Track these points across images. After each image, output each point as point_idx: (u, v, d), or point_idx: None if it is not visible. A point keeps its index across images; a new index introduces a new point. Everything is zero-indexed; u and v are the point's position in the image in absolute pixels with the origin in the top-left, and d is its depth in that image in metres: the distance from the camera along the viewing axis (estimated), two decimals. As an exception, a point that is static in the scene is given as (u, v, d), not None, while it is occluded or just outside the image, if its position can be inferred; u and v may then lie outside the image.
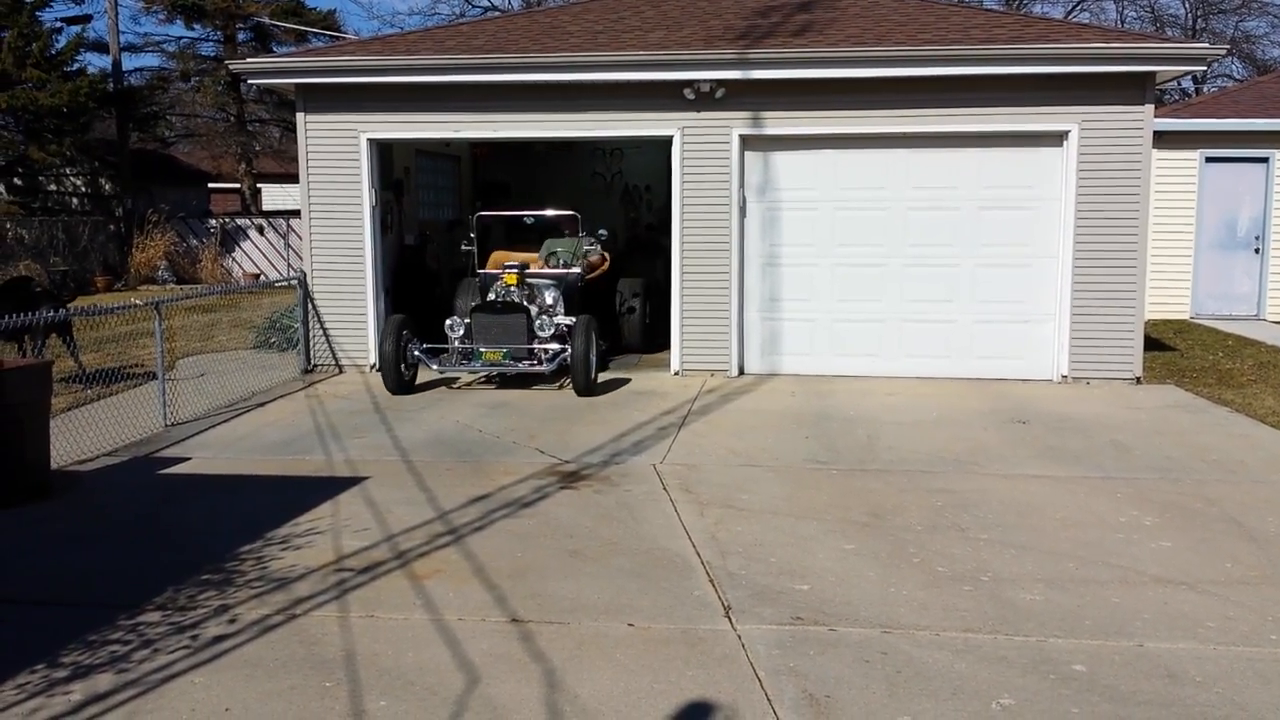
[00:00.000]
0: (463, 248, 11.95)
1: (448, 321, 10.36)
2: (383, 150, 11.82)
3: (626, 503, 6.53)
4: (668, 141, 10.99)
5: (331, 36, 29.66)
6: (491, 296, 10.80)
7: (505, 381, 10.59)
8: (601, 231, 12.11)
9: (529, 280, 10.91)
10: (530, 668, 4.23)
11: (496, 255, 12.61)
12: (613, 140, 15.39)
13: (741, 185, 10.91)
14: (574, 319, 10.29)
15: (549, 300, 10.97)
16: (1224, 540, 5.85)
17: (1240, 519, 6.22)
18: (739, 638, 4.53)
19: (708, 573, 5.32)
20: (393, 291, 12.31)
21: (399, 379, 9.99)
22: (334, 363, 11.47)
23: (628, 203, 17.28)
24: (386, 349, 9.91)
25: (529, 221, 12.26)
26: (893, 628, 4.63)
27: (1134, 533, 5.97)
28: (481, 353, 10.15)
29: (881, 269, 11.02)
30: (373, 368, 11.34)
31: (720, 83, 10.60)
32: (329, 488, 6.86)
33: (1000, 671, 4.21)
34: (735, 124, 10.78)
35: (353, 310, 11.40)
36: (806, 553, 5.62)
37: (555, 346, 10.18)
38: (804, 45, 10.59)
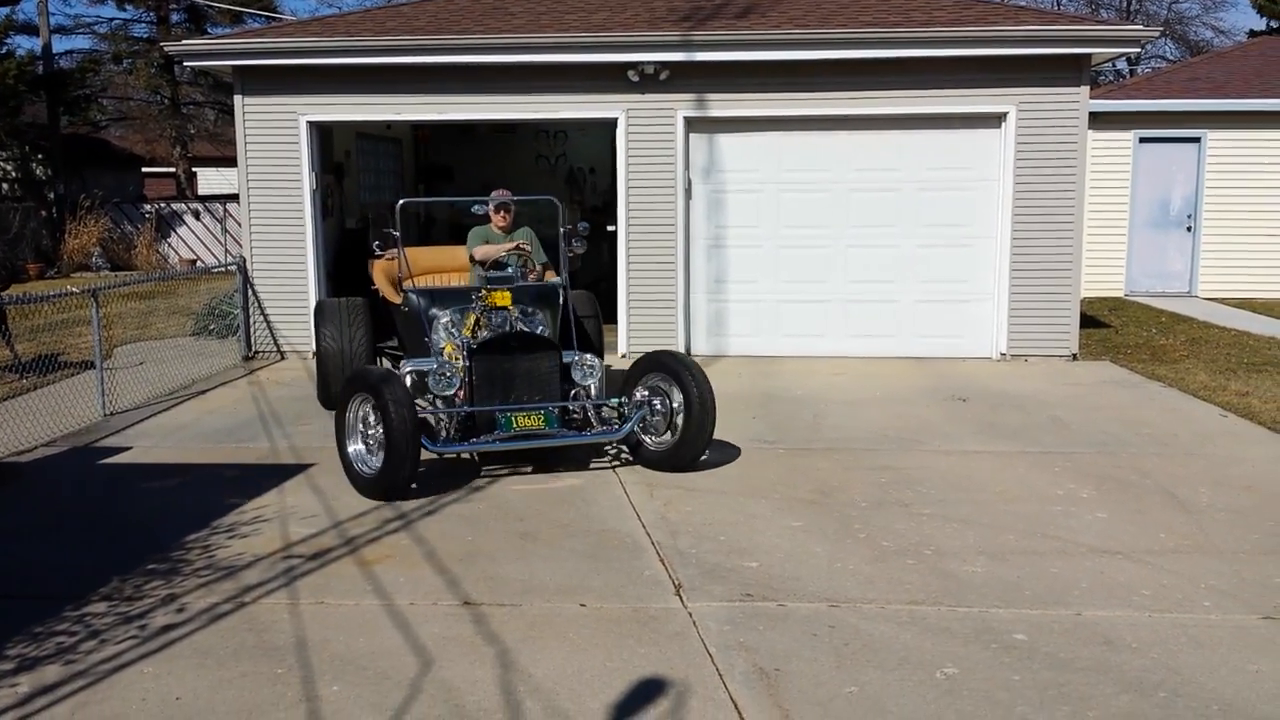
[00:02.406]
0: (375, 248, 8.37)
1: (430, 366, 6.83)
2: (323, 133, 11.66)
3: (576, 485, 6.55)
4: (612, 124, 10.98)
5: (268, 17, 29.12)
6: (455, 330, 7.23)
7: (541, 459, 6.98)
8: (584, 224, 8.27)
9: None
10: (483, 649, 4.25)
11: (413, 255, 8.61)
12: (557, 122, 15.33)
13: (687, 167, 10.94)
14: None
15: (545, 328, 7.41)
16: (1158, 511, 6.02)
17: (1173, 490, 6.41)
18: (690, 615, 4.59)
19: (658, 552, 5.37)
20: (335, 276, 12.17)
21: (413, 469, 6.21)
22: (275, 349, 11.34)
23: (572, 185, 17.23)
24: (399, 412, 6.08)
25: (478, 211, 8.68)
26: (839, 601, 4.72)
27: (1071, 505, 6.13)
28: (508, 417, 6.63)
29: (826, 250, 11.12)
30: (313, 354, 11.20)
31: (664, 65, 10.60)
32: (275, 475, 6.80)
33: (944, 642, 4.31)
34: (680, 106, 10.80)
35: (294, 295, 11.26)
36: (755, 531, 5.69)
37: (613, 401, 7.03)
38: (748, 27, 10.63)
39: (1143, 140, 16.04)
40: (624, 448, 7.17)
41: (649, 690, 3.93)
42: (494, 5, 11.86)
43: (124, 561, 5.24)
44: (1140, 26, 12.25)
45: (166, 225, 25.52)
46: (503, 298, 7.05)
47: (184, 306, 14.35)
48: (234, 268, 11.44)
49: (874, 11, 10.96)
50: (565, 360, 6.98)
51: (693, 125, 10.92)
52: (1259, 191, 15.85)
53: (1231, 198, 15.93)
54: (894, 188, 10.99)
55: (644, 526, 5.77)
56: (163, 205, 26.18)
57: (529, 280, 7.68)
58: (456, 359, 6.99)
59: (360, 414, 6.50)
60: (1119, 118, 15.84)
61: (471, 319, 7.20)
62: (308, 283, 11.25)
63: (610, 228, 11.54)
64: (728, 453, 7.30)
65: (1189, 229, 16.21)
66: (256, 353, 11.30)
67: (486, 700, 3.85)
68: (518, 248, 7.85)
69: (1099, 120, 15.01)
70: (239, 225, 12.13)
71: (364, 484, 6.33)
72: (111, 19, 31.63)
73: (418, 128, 15.90)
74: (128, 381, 9.41)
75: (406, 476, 6.19)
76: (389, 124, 13.96)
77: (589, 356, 7.08)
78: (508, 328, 6.98)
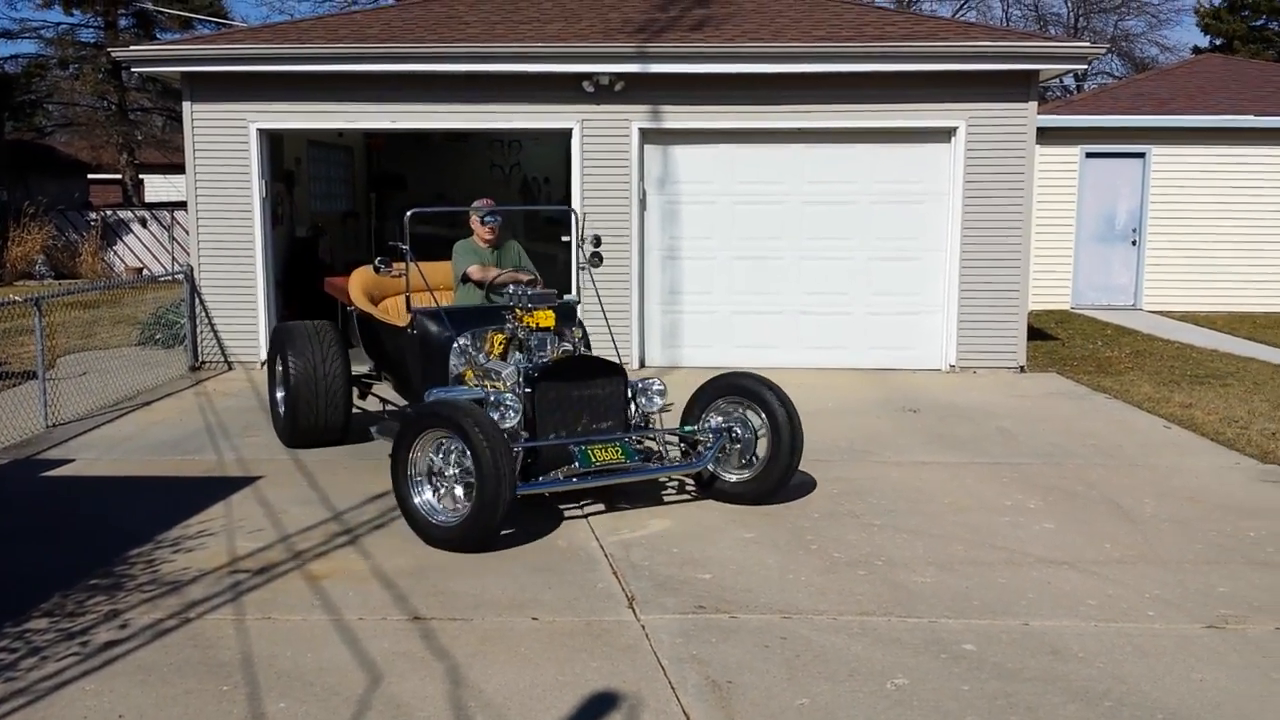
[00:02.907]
0: (377, 266, 6.83)
1: (475, 396, 6.04)
2: (273, 141, 11.54)
3: (529, 498, 6.51)
4: (567, 134, 10.98)
5: (218, 23, 28.80)
6: (476, 355, 6.59)
7: (609, 497, 6.41)
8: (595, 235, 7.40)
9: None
10: (433, 665, 4.21)
11: (360, 277, 7.79)
12: (511, 132, 15.31)
13: (641, 178, 10.96)
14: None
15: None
16: (1103, 521, 6.11)
17: (1118, 501, 6.50)
18: (643, 628, 4.58)
19: (611, 565, 5.35)
20: (284, 285, 12.05)
21: (508, 513, 5.46)
22: (223, 359, 11.18)
23: (526, 195, 17.20)
24: (495, 449, 5.33)
25: (490, 223, 7.46)
26: (791, 613, 4.73)
27: (1019, 516, 6.20)
28: (584, 450, 5.93)
29: (779, 262, 11.18)
30: (264, 364, 11.08)
31: (619, 76, 10.62)
32: (221, 488, 6.70)
33: (894, 652, 4.33)
34: (635, 117, 10.82)
35: (243, 305, 11.11)
36: (708, 543, 5.69)
37: (685, 429, 6.53)
38: (702, 40, 10.68)
39: (1089, 155, 16.32)
40: (689, 480, 6.61)
41: (601, 704, 3.91)
42: (448, 14, 11.81)
43: (66, 576, 5.13)
44: (1087, 44, 12.46)
45: (112, 233, 25.09)
46: (547, 318, 6.39)
47: (129, 316, 14.11)
48: (181, 277, 11.27)
49: (827, 26, 11.06)
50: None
51: (647, 136, 10.94)
52: (1202, 206, 16.19)
53: (1175, 212, 16.26)
54: (847, 200, 11.08)
55: (597, 539, 5.75)
56: (109, 213, 25.74)
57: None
58: (496, 386, 6.22)
59: (428, 455, 5.69)
60: (1066, 133, 16.11)
61: (498, 341, 6.58)
62: (257, 292, 11.10)
63: (565, 238, 11.52)
64: (681, 464, 7.28)
65: (1134, 243, 16.51)
66: (203, 363, 11.14)
67: (436, 716, 3.81)
68: (533, 281, 7.06)
69: (1046, 135, 15.25)
70: (186, 233, 11.98)
71: (441, 536, 5.53)
72: (58, 23, 31.13)
73: (370, 136, 15.77)
74: (71, 392, 9.22)
75: (500, 523, 5.45)
76: (340, 132, 13.86)
77: (655, 381, 6.45)
78: (550, 349, 6.32)
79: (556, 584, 5.09)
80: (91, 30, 31.18)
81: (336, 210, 15.01)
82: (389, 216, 16.64)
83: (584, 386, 6.19)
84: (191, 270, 11.10)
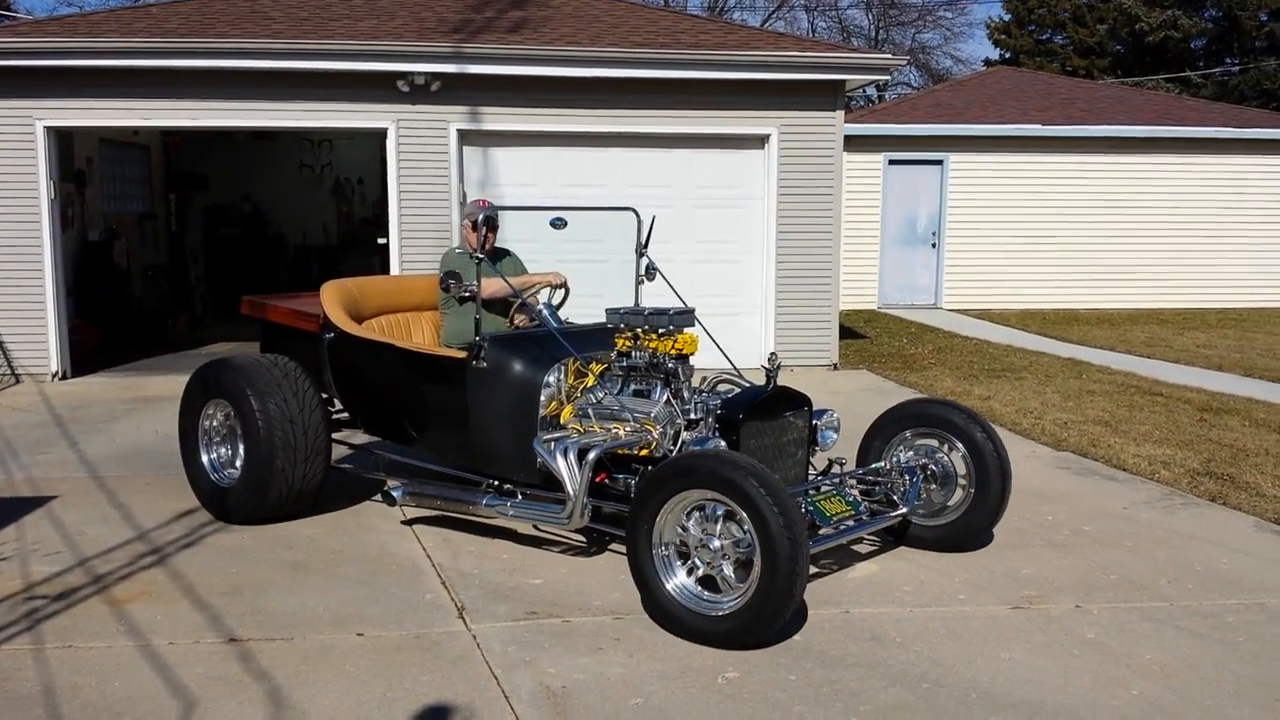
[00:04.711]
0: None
1: (639, 440, 5.14)
2: (62, 139, 10.82)
3: (353, 509, 6.32)
4: (382, 134, 10.72)
5: (0, 15, 26.82)
6: (565, 389, 5.50)
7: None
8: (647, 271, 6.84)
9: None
10: (252, 688, 4.01)
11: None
12: (322, 131, 14.86)
13: (461, 180, 10.80)
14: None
15: None
16: (915, 511, 6.37)
17: (928, 490, 6.80)
18: (474, 637, 4.49)
19: (440, 575, 5.24)
20: (76, 292, 11.31)
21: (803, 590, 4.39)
22: (10, 373, 10.39)
23: (340, 196, 16.73)
24: (790, 513, 4.23)
25: (558, 226, 5.98)
26: (624, 613, 4.74)
27: (839, 509, 6.39)
28: (816, 504, 5.00)
29: (603, 265, 11.19)
30: (54, 376, 10.38)
31: (436, 76, 10.44)
32: (10, 510, 6.21)
33: (725, 648, 4.40)
34: (453, 118, 10.66)
35: (30, 314, 10.35)
36: (538, 548, 5.65)
37: (877, 467, 5.67)
38: (519, 42, 10.62)
39: (892, 162, 17.11)
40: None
41: (433, 718, 3.81)
42: (251, 9, 11.34)
43: None
44: (889, 55, 13.07)
45: (-124, 236, 23.01)
46: (691, 343, 5.55)
47: (-101, 326, 12.94)
48: (-41, 284, 10.42)
49: (644, 32, 11.19)
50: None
51: (466, 138, 10.80)
52: (994, 210, 17.21)
53: (971, 216, 17.23)
54: (668, 204, 11.21)
55: (424, 549, 5.62)
56: None
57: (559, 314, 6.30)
58: (644, 429, 5.15)
59: (681, 522, 4.51)
60: (870, 141, 16.83)
61: (596, 371, 5.51)
62: (46, 300, 10.37)
63: (381, 240, 11.24)
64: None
65: (934, 245, 17.39)
66: (-13, 376, 10.34)
67: (258, 741, 3.64)
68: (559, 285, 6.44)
69: (853, 143, 15.86)
70: (-36, 237, 11.07)
71: (706, 629, 4.39)
72: None
73: (169, 134, 14.99)
74: None
75: (795, 605, 4.31)
76: (136, 130, 13.13)
77: (831, 413, 5.53)
78: (680, 378, 5.47)
79: (382, 597, 4.94)
80: None
81: (132, 212, 14.18)
82: (189, 218, 15.91)
83: (789, 425, 5.35)
84: (-29, 277, 10.28)
